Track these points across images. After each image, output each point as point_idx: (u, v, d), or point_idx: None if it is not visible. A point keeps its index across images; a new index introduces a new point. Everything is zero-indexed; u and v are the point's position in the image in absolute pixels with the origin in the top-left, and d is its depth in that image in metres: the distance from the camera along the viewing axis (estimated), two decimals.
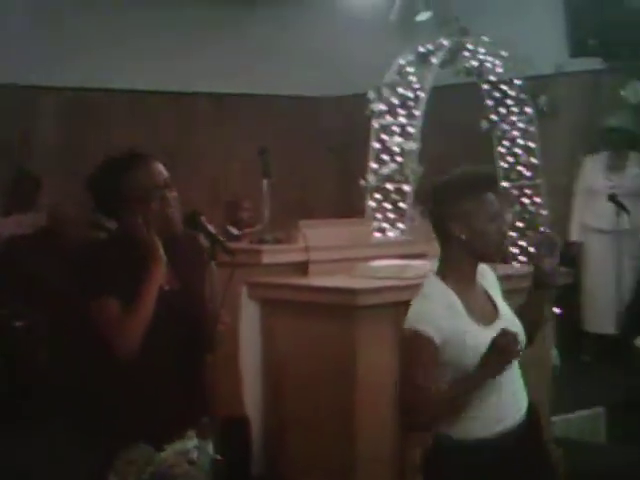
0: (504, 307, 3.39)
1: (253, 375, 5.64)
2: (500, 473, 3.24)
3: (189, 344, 3.23)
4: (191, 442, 3.27)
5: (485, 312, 3.32)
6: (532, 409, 3.39)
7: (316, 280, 5.64)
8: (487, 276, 3.45)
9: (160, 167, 3.26)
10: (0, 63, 8.44)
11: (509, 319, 3.34)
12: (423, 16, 8.59)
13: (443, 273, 3.34)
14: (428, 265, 5.85)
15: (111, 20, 9.15)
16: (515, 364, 3.29)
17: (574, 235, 8.68)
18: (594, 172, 8.49)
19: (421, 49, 8.35)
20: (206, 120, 9.91)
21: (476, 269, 3.36)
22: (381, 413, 5.33)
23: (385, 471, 5.37)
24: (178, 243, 3.28)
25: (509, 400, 3.29)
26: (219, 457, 3.55)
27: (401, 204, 8.20)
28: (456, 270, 3.31)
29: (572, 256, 8.39)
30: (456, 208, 3.27)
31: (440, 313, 3.22)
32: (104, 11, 9.09)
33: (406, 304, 5.29)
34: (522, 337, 3.25)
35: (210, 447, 3.36)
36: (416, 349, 3.21)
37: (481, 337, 3.18)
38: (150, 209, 3.18)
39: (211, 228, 3.42)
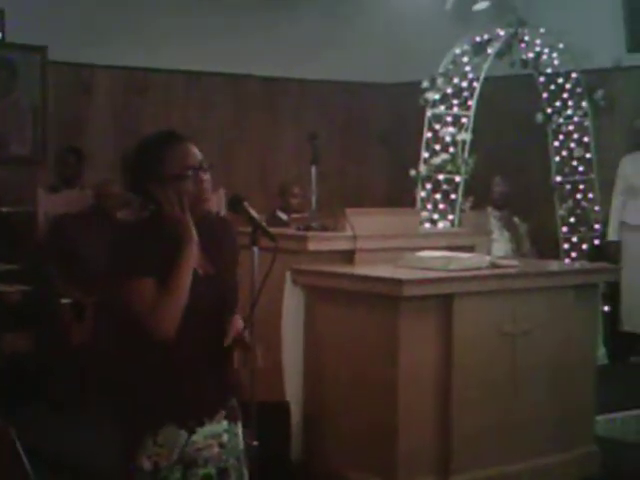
0: None
1: (295, 362, 5.62)
2: None
3: (221, 328, 3.20)
4: (221, 425, 3.24)
5: None
6: None
7: (361, 269, 5.61)
8: None
9: (195, 149, 3.22)
10: (56, 41, 8.49)
11: None
12: (481, 5, 8.50)
13: None
14: (475, 258, 5.82)
15: (171, 1, 9.19)
16: None
17: (613, 235, 8.66)
18: (635, 170, 8.42)
19: (477, 39, 8.28)
20: (257, 103, 9.89)
21: None
22: (423, 403, 5.29)
23: (427, 461, 5.33)
24: (210, 227, 3.25)
25: None
26: (255, 443, 3.53)
27: (452, 195, 8.16)
28: None
29: (611, 256, 8.38)
30: None
31: None
32: None
33: (451, 296, 5.33)
34: None
35: (240, 430, 3.33)
36: None
37: None
38: (184, 188, 3.14)
39: (254, 213, 3.39)
